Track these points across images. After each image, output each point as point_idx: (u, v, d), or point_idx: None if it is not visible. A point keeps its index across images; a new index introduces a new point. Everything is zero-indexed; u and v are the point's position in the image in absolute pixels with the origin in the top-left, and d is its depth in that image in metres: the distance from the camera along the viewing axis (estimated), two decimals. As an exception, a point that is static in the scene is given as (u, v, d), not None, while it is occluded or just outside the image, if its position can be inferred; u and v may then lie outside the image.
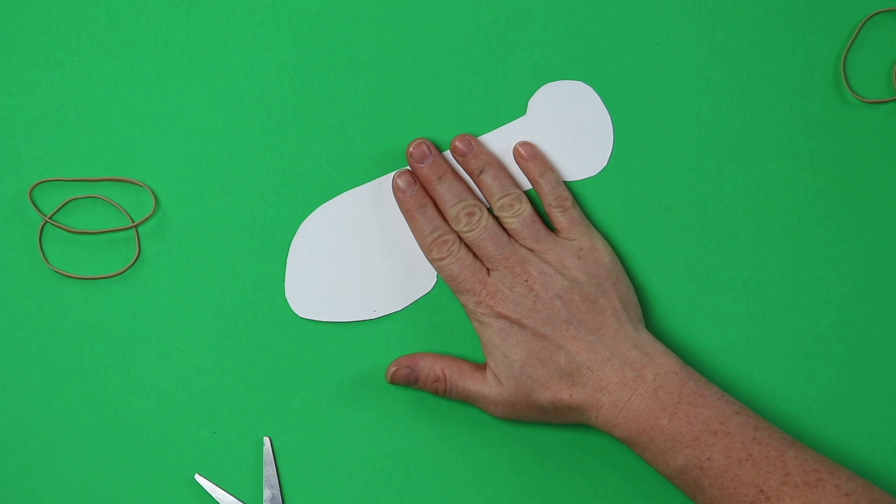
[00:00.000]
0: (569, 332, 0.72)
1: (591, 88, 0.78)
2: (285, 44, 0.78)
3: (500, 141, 0.78)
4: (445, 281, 0.74)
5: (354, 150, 0.78)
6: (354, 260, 0.77)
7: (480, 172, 0.75)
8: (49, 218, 0.77)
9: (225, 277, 0.77)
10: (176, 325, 0.77)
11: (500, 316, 0.72)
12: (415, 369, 0.74)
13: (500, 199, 0.74)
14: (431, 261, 0.74)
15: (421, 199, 0.75)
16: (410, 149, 0.75)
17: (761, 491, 0.67)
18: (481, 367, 0.74)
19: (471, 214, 0.74)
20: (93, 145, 0.78)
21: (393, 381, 0.75)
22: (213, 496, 0.76)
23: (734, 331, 0.77)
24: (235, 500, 0.76)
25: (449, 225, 0.74)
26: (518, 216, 0.74)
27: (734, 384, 0.76)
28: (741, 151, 0.78)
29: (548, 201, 0.75)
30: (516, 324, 0.72)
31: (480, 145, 0.76)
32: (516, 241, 0.74)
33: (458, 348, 0.77)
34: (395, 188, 0.75)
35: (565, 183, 0.77)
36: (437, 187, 0.75)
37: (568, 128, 0.78)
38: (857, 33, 0.78)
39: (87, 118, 0.78)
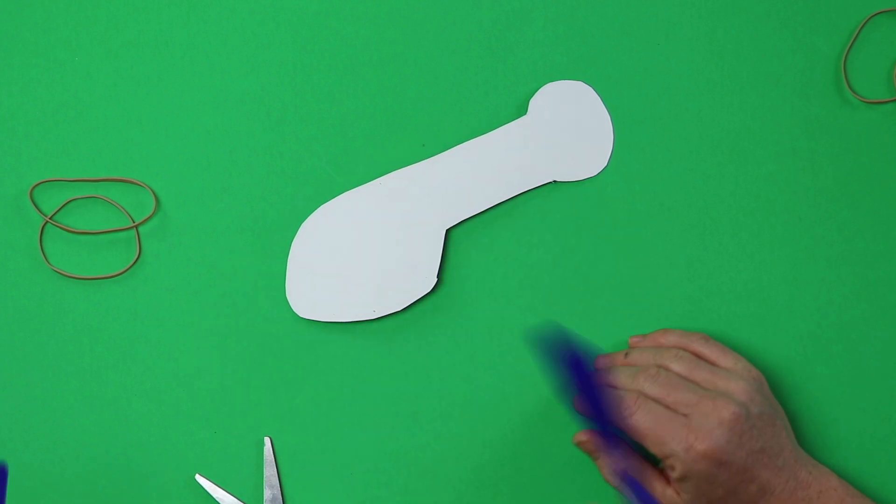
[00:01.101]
0: (761, 461, 0.70)
1: (591, 88, 0.78)
2: (285, 44, 0.78)
3: (501, 141, 0.78)
4: (643, 438, 0.70)
5: (354, 150, 0.78)
6: (354, 260, 0.77)
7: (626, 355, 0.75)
8: (49, 218, 0.77)
9: (225, 277, 0.77)
10: (176, 325, 0.77)
11: (709, 460, 0.69)
12: (599, 452, 0.73)
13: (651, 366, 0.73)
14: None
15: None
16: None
17: None
18: (665, 481, 0.72)
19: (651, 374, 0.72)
20: (93, 145, 0.78)
21: (577, 444, 0.74)
22: (214, 496, 0.76)
23: (734, 331, 0.77)
24: (236, 500, 0.76)
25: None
26: (680, 361, 0.73)
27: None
28: (741, 151, 0.78)
29: (689, 342, 0.74)
30: (724, 465, 0.69)
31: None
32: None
33: (458, 348, 0.77)
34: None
35: (565, 183, 0.77)
36: None
37: (568, 128, 0.78)
38: (858, 33, 0.78)
39: (87, 118, 0.78)
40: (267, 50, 0.78)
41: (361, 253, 0.77)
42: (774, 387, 0.76)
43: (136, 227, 0.78)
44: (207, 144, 0.78)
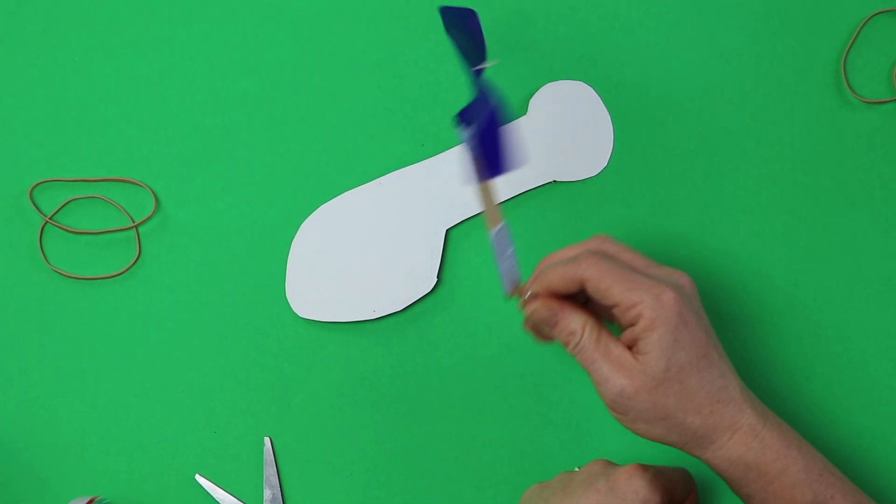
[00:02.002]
0: (720, 350, 0.68)
1: (591, 88, 0.78)
2: (285, 44, 0.79)
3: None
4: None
5: (354, 150, 0.78)
6: (354, 260, 0.77)
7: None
8: (49, 218, 0.77)
9: (225, 277, 0.77)
10: (176, 325, 0.77)
11: (678, 313, 0.66)
12: (557, 314, 0.69)
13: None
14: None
15: None
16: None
17: None
18: (626, 350, 0.68)
19: None
20: (93, 145, 0.78)
21: (532, 316, 0.69)
22: (214, 496, 0.76)
23: (734, 331, 0.77)
24: (236, 500, 0.76)
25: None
26: None
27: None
28: (741, 151, 0.78)
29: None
30: (689, 325, 0.67)
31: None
32: None
33: (458, 348, 0.77)
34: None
35: (565, 183, 0.77)
36: None
37: (568, 128, 0.78)
38: (858, 33, 0.78)
39: (87, 118, 0.78)
40: (267, 50, 0.78)
41: (361, 253, 0.77)
42: (775, 386, 0.76)
43: (136, 227, 0.78)
44: (207, 144, 0.78)
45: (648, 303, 0.66)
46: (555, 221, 0.78)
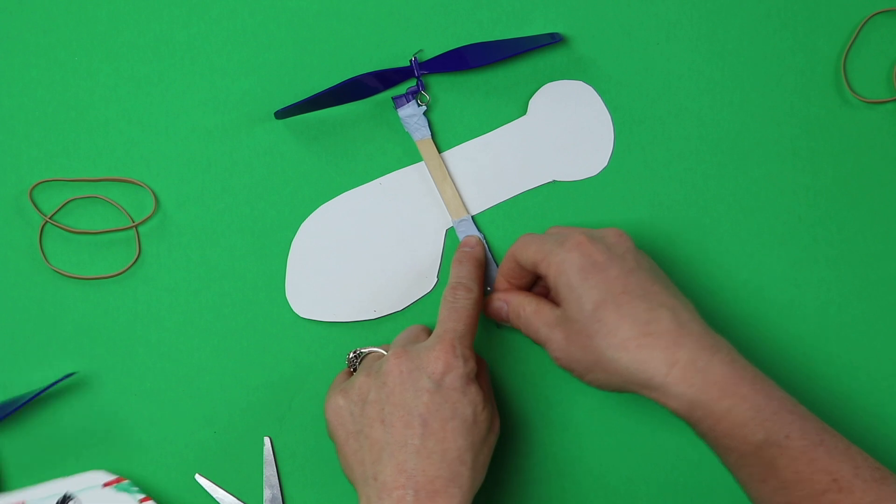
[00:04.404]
0: (653, 287, 0.68)
1: (591, 88, 0.78)
2: (285, 44, 0.78)
3: (501, 141, 0.78)
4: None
5: (354, 150, 0.78)
6: (354, 260, 0.77)
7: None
8: (49, 218, 0.77)
9: (225, 277, 0.77)
10: (176, 325, 0.77)
11: (584, 254, 0.68)
12: (505, 305, 0.73)
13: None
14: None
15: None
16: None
17: (834, 480, 0.63)
18: (554, 307, 0.70)
19: None
20: (93, 145, 0.78)
21: (488, 314, 0.74)
22: (214, 496, 0.76)
23: (734, 331, 0.76)
24: (236, 500, 0.76)
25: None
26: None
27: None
28: (741, 151, 0.78)
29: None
30: (599, 264, 0.68)
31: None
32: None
33: (458, 348, 0.77)
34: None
35: (565, 183, 0.77)
36: None
37: (568, 128, 0.78)
38: (858, 33, 0.78)
39: (87, 118, 0.78)
40: (267, 50, 0.78)
41: (361, 253, 0.77)
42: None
43: (136, 226, 0.78)
44: (207, 144, 0.78)
45: (554, 250, 0.69)
46: (555, 221, 0.77)
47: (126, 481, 0.74)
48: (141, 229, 0.78)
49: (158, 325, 0.77)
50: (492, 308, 0.74)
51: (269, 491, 0.76)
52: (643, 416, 0.76)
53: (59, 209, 0.78)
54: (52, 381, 0.75)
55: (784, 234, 0.77)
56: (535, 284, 0.74)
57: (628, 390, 0.67)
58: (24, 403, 0.73)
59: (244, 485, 0.77)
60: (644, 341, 0.66)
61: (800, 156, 0.77)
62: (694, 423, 0.66)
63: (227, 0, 0.79)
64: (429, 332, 0.73)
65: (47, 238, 0.78)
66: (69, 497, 0.74)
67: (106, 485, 0.74)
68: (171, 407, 0.77)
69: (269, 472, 0.76)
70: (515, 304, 0.72)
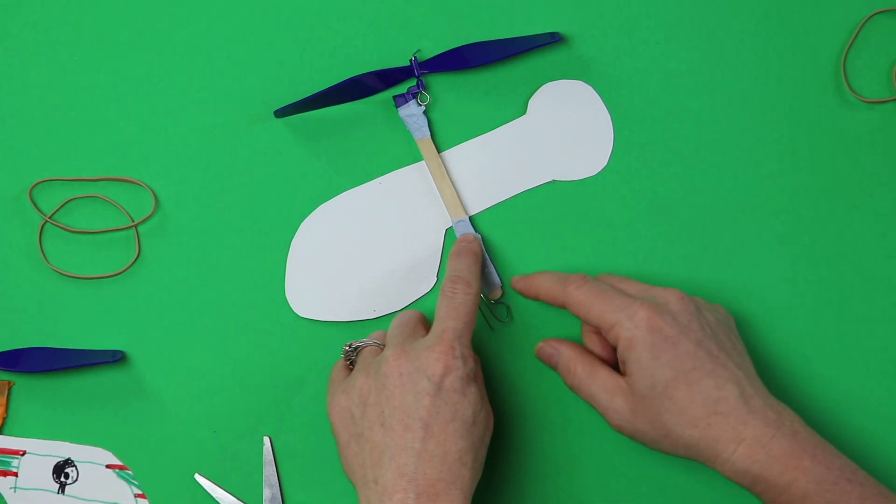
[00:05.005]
0: (719, 358, 0.68)
1: (591, 88, 0.78)
2: (285, 44, 0.78)
3: (500, 140, 0.78)
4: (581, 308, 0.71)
5: (354, 149, 0.78)
6: (354, 260, 0.77)
7: None
8: (49, 218, 0.77)
9: (225, 277, 0.77)
10: (176, 325, 0.77)
11: (654, 330, 0.68)
12: (557, 354, 0.73)
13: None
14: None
15: None
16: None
17: None
18: (618, 375, 0.70)
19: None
20: (93, 145, 0.78)
21: (538, 356, 0.74)
22: (213, 496, 0.76)
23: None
24: (235, 499, 0.76)
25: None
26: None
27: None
28: (741, 151, 0.78)
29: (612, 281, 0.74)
30: (670, 339, 0.68)
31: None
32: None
33: (458, 348, 0.77)
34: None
35: (565, 183, 0.77)
36: None
37: (568, 128, 0.78)
38: (857, 33, 0.78)
39: (87, 118, 0.78)
40: (267, 50, 0.78)
41: (361, 253, 0.77)
42: (775, 386, 0.76)
43: (136, 226, 0.78)
44: (207, 144, 0.78)
45: (623, 323, 0.69)
46: (555, 221, 0.77)
47: (130, 472, 0.75)
48: (141, 229, 0.78)
49: (158, 324, 0.77)
50: (541, 352, 0.74)
51: (269, 490, 0.76)
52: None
53: (59, 209, 0.78)
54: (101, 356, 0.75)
55: (784, 234, 0.77)
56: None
57: (689, 458, 0.69)
58: (68, 366, 0.75)
59: (244, 484, 0.77)
60: (713, 420, 0.67)
61: (800, 156, 0.77)
62: (757, 494, 0.68)
63: (227, 0, 0.79)
64: (425, 321, 0.73)
65: (47, 238, 0.78)
66: (70, 462, 0.74)
67: (109, 466, 0.74)
68: (170, 406, 0.77)
69: (269, 471, 0.76)
70: (567, 358, 0.72)
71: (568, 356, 0.72)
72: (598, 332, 0.72)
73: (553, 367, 0.74)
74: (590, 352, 0.73)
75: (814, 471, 0.66)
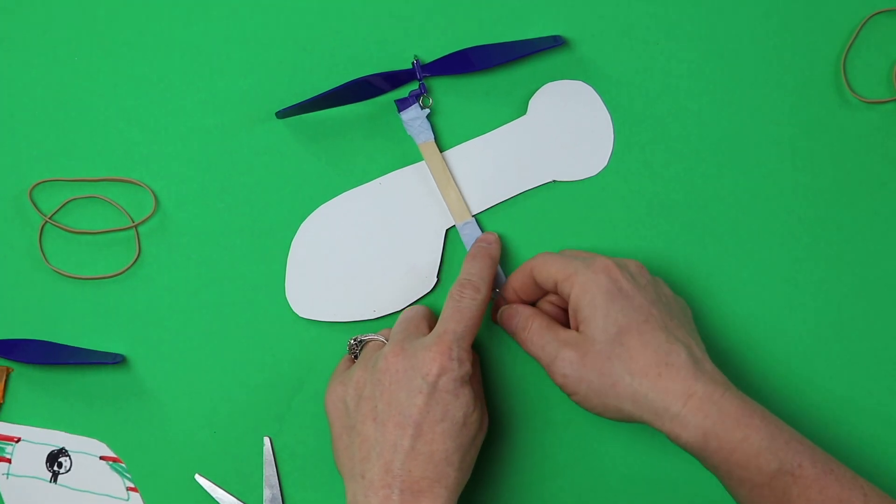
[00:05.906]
0: (671, 321, 0.69)
1: (591, 88, 0.78)
2: (285, 44, 0.78)
3: (500, 141, 0.78)
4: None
5: (354, 150, 0.78)
6: (354, 260, 0.77)
7: None
8: (49, 218, 0.77)
9: (225, 277, 0.77)
10: (176, 325, 0.77)
11: (611, 278, 0.69)
12: (516, 315, 0.73)
13: None
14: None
15: None
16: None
17: None
18: (571, 330, 0.70)
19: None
20: (93, 145, 0.78)
21: (498, 320, 0.75)
22: (213, 496, 0.76)
23: (734, 331, 0.76)
24: (235, 500, 0.76)
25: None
26: None
27: (735, 384, 0.76)
28: (741, 151, 0.78)
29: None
30: (625, 291, 0.69)
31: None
32: None
33: (458, 348, 0.77)
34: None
35: (565, 183, 0.77)
36: None
37: (568, 128, 0.78)
38: (858, 33, 0.78)
39: (87, 118, 0.78)
40: (267, 50, 0.78)
41: (361, 253, 0.77)
42: (775, 386, 0.76)
43: (136, 226, 0.78)
44: (207, 144, 0.78)
45: (581, 270, 0.70)
46: (555, 221, 0.78)
47: (123, 464, 0.75)
48: (141, 229, 0.78)
49: (158, 325, 0.77)
50: (502, 315, 0.74)
51: (269, 491, 0.76)
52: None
53: (59, 209, 0.78)
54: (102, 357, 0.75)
55: (784, 234, 0.77)
56: (538, 301, 0.75)
57: (636, 419, 0.68)
58: (68, 363, 0.75)
59: (244, 485, 0.77)
60: (664, 371, 0.67)
61: (799, 156, 0.77)
62: (708, 454, 0.67)
63: (227, 0, 0.79)
64: (431, 317, 0.73)
65: (47, 238, 0.78)
66: (64, 451, 0.74)
67: (103, 458, 0.74)
68: (170, 407, 0.77)
69: (269, 471, 0.76)
70: (525, 317, 0.72)
71: (526, 314, 0.72)
72: (557, 302, 0.73)
73: (511, 328, 0.73)
74: (545, 311, 0.74)
75: (765, 429, 0.66)
